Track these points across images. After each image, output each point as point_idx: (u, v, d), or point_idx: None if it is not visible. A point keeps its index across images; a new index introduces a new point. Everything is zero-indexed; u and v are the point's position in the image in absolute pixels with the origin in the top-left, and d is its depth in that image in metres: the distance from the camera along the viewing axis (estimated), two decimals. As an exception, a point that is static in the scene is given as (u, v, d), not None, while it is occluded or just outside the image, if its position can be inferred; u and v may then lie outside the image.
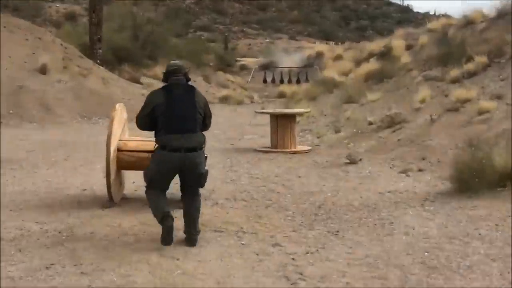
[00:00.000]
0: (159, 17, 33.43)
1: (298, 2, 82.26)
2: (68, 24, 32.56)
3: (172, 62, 5.02)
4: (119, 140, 6.38)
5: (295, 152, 10.24)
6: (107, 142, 6.13)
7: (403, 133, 10.23)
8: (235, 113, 19.15)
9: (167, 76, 4.90)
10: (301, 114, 12.75)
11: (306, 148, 10.61)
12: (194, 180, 4.85)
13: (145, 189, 5.02)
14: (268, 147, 10.64)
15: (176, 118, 4.73)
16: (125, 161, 6.31)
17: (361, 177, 7.99)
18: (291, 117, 10.59)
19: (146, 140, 6.27)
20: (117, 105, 6.41)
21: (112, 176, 6.17)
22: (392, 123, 10.79)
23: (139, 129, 5.09)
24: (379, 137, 10.50)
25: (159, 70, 24.38)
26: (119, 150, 6.30)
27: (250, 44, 65.72)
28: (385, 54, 18.89)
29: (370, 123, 11.61)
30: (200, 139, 4.83)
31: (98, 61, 20.22)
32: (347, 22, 79.43)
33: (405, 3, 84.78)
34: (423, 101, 11.51)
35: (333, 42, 56.58)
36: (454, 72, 12.13)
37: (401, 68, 16.17)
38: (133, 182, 7.22)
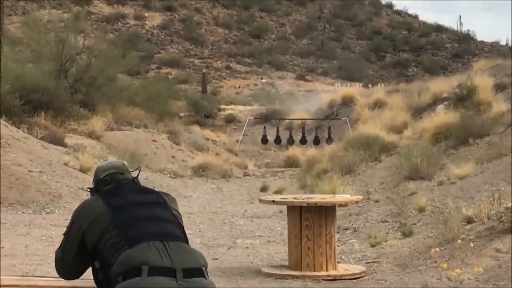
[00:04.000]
0: (104, 45, 33.36)
1: (308, 25, 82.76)
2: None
3: (105, 163, 5.00)
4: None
5: (335, 279, 9.47)
6: None
7: (544, 243, 9.35)
8: (219, 194, 19.11)
9: (101, 183, 4.75)
10: (344, 204, 10.96)
11: (356, 269, 9.78)
12: None
13: None
14: (284, 267, 9.94)
15: (142, 221, 4.43)
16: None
17: None
18: (328, 211, 9.67)
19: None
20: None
21: None
22: (518, 222, 9.95)
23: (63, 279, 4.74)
24: (496, 251, 9.30)
25: (98, 124, 23.63)
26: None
27: (239, 86, 65.91)
28: (463, 99, 19.73)
29: (469, 221, 10.55)
30: (201, 254, 4.50)
31: (-6, 109, 20.67)
32: (380, 56, 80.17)
33: (465, 29, 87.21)
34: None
35: (360, 84, 57.27)
36: None
37: (496, 121, 16.45)
38: None
